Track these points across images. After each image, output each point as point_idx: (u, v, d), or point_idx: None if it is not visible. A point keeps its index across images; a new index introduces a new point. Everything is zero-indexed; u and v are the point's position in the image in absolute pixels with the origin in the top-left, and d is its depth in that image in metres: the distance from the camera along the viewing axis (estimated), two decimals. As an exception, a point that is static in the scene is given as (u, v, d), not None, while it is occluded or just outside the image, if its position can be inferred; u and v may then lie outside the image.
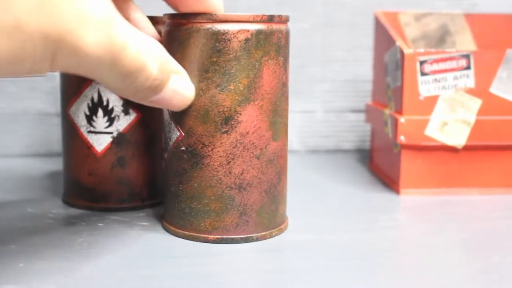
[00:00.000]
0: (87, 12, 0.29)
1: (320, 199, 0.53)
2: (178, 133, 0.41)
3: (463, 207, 0.51)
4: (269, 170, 0.41)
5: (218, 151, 0.40)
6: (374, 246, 0.41)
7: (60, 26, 0.29)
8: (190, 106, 0.39)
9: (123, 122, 0.47)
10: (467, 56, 0.53)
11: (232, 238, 0.41)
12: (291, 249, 0.41)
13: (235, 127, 0.39)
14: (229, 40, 0.39)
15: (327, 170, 0.64)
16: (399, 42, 0.54)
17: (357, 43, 0.73)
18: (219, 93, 0.39)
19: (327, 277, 0.36)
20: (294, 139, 0.74)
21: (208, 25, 0.38)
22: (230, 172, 0.40)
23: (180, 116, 0.40)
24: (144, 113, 0.47)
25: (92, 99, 0.47)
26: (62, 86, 0.49)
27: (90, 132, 0.47)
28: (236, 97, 0.39)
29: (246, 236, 0.41)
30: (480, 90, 0.53)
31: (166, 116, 0.42)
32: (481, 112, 0.53)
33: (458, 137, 0.53)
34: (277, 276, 0.36)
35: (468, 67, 0.53)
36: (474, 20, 0.65)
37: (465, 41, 0.64)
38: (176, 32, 0.40)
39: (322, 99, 0.74)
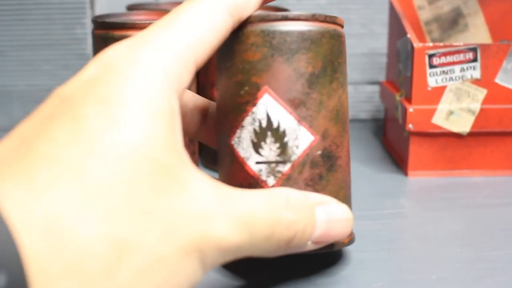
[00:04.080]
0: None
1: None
2: (313, 137, 0.39)
3: (466, 191, 0.55)
4: None
5: (345, 151, 0.40)
6: (375, 238, 0.46)
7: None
8: (323, 108, 0.39)
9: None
10: (474, 50, 0.56)
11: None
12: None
13: (347, 127, 0.41)
14: (343, 44, 0.40)
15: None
16: (410, 34, 0.57)
17: (373, 18, 0.76)
18: (343, 93, 0.40)
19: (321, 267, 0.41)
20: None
21: (334, 26, 0.39)
22: (349, 172, 0.41)
23: (313, 119, 0.39)
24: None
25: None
26: None
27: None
28: (347, 99, 0.41)
29: None
30: (486, 81, 0.56)
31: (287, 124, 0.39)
32: (485, 101, 0.57)
33: (463, 125, 0.57)
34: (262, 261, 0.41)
35: (475, 60, 0.56)
36: (487, 3, 0.67)
37: (477, 24, 0.67)
38: (308, 32, 0.38)
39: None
